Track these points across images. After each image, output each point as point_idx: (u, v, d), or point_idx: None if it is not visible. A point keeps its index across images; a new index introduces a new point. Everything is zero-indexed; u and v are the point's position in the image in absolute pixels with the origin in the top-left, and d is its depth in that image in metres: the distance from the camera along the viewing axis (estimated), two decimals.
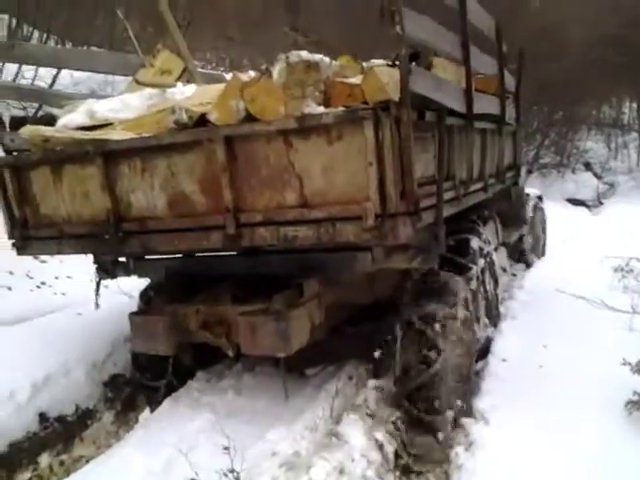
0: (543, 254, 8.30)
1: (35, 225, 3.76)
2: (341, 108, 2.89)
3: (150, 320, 3.76)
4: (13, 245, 3.82)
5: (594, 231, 10.28)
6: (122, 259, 4.06)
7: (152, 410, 4.14)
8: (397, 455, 3.43)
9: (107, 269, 4.12)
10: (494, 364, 4.31)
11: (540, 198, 8.55)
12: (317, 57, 3.02)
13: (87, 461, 3.73)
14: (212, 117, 2.99)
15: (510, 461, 3.15)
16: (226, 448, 2.93)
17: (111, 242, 3.41)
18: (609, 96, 22.61)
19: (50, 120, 3.82)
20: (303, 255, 3.42)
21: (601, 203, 19.30)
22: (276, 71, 2.90)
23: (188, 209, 3.20)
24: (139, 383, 4.36)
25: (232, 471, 2.84)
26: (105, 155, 3.27)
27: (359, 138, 2.71)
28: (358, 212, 2.76)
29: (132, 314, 3.86)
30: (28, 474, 3.73)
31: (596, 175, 21.35)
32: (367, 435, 3.32)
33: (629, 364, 3.71)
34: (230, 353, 3.64)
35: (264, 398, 3.88)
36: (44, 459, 3.84)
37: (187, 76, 4.41)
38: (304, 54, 2.94)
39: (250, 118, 2.93)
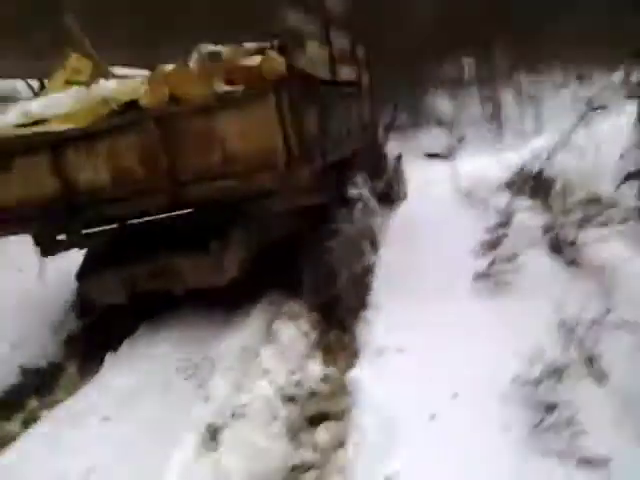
0: (405, 198, 9.82)
1: None
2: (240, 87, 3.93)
3: (107, 277, 4.60)
4: None
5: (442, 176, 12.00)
6: (60, 237, 4.79)
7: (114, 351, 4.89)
8: (319, 341, 4.66)
9: (47, 248, 4.83)
10: (378, 274, 5.61)
11: (399, 157, 10.09)
12: (219, 47, 4.01)
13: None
14: (143, 102, 3.88)
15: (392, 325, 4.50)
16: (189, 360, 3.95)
17: (66, 215, 4.21)
18: (450, 56, 25.13)
19: None
20: (226, 207, 4.40)
21: (453, 154, 21.64)
22: (191, 60, 3.86)
23: (132, 179, 4.08)
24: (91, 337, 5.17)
25: (205, 358, 3.84)
26: (52, 145, 4.05)
27: (265, 107, 3.78)
28: (271, 163, 3.82)
29: (90, 275, 4.68)
30: (22, 414, 4.42)
31: (447, 129, 23.79)
32: (296, 329, 4.48)
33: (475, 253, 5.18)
34: (178, 292, 4.60)
35: (208, 324, 4.88)
36: (32, 402, 4.53)
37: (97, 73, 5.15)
38: (210, 46, 3.92)
39: (173, 99, 3.88)
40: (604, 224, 7.88)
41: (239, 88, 3.87)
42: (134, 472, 3.25)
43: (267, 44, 4.49)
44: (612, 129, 9.88)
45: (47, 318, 5.10)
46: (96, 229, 4.86)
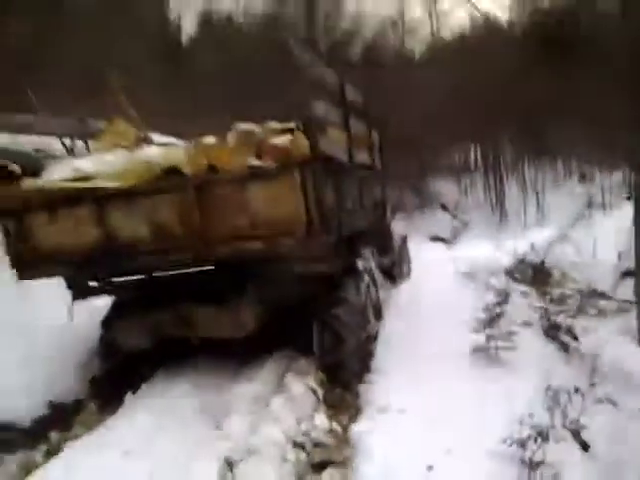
0: (409, 276, 10.28)
1: (33, 257, 4.88)
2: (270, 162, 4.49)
3: (133, 324, 5.06)
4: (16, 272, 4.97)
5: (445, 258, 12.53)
6: (93, 283, 5.30)
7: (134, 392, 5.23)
8: (325, 398, 5.02)
9: (79, 292, 5.31)
10: (382, 341, 6.02)
11: (405, 238, 10.67)
12: (253, 126, 4.60)
13: None
14: (185, 170, 4.46)
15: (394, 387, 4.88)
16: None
17: (103, 264, 4.72)
18: (457, 145, 26.36)
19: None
20: (247, 267, 4.91)
21: (456, 238, 22.33)
22: (229, 137, 4.43)
23: (167, 236, 4.58)
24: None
25: (221, 401, 4.21)
26: (96, 199, 4.59)
27: (291, 181, 4.31)
28: (292, 230, 4.33)
29: (116, 321, 5.12)
30: (45, 446, 4.74)
31: (451, 214, 24.61)
32: (304, 385, 4.86)
33: (473, 328, 5.58)
34: (195, 342, 5.03)
35: (223, 372, 5.26)
36: (53, 436, 4.87)
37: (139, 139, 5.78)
38: (246, 125, 4.51)
39: (211, 169, 4.44)
40: (597, 315, 8.37)
41: (269, 163, 4.41)
42: None
43: (293, 124, 5.04)
44: (611, 228, 10.49)
45: (75, 357, 5.51)
46: (125, 278, 5.33)
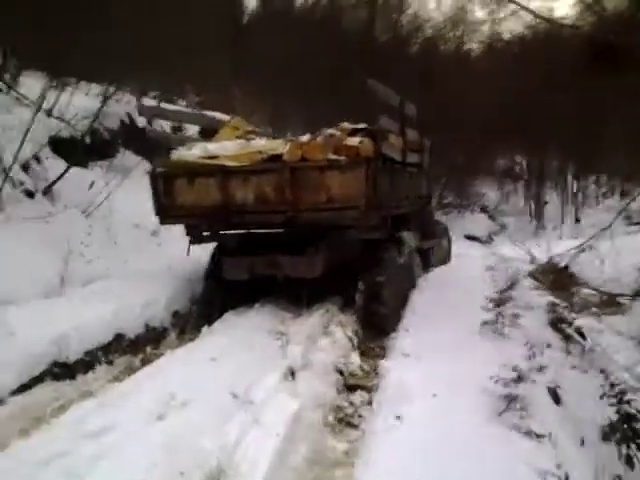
0: (449, 261, 11.69)
1: (173, 209, 6.76)
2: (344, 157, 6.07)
3: (237, 261, 6.90)
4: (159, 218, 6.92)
5: (479, 255, 13.83)
6: (206, 233, 7.07)
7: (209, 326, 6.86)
8: (359, 345, 6.50)
9: (195, 238, 7.12)
10: (411, 307, 7.49)
11: (446, 229, 12.11)
12: (335, 131, 6.16)
13: None
14: (285, 157, 6.16)
15: (415, 341, 6.24)
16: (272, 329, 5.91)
17: (223, 218, 6.50)
18: (503, 151, 27.20)
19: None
20: (322, 231, 6.66)
21: (492, 239, 23.34)
22: (319, 137, 6.03)
23: (267, 202, 6.32)
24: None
25: (283, 334, 5.76)
26: (222, 172, 6.36)
27: (358, 171, 5.95)
28: (356, 205, 5.99)
29: (223, 258, 7.00)
30: (141, 355, 6.28)
31: (490, 216, 25.61)
32: (343, 333, 6.39)
33: (486, 308, 6.96)
34: (280, 278, 6.83)
35: (286, 313, 6.94)
36: (148, 349, 6.43)
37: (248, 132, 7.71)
38: (330, 130, 6.07)
39: (303, 159, 6.12)
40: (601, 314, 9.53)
41: (343, 158, 6.09)
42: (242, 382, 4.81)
43: (359, 126, 6.73)
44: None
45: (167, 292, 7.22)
46: (232, 231, 7.10)
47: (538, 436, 4.67)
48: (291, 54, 18.86)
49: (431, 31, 27.04)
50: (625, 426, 5.25)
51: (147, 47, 10.89)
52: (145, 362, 5.98)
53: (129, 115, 11.45)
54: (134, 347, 6.26)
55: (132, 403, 4.49)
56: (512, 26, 29.02)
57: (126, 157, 10.89)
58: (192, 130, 10.89)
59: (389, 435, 4.36)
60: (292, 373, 5.14)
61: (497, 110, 22.25)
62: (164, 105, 9.37)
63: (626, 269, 10.80)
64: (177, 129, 12.20)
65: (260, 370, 5.08)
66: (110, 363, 5.81)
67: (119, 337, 6.13)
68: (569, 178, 27.21)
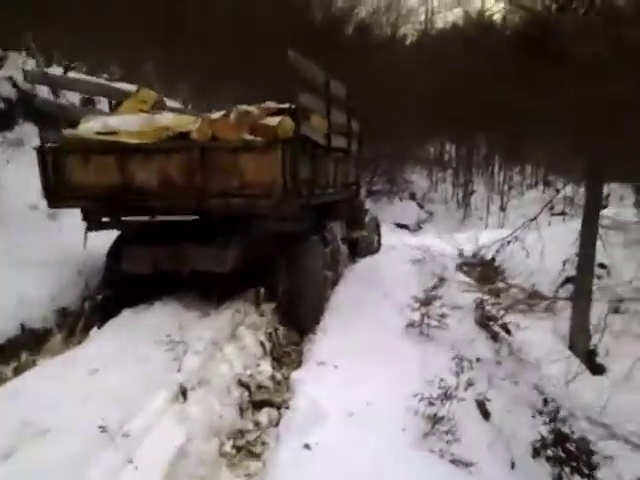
0: (378, 251, 11.10)
1: (64, 190, 5.76)
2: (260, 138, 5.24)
3: (138, 252, 5.99)
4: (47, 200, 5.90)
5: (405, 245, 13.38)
6: (105, 219, 6.12)
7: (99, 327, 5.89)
8: (271, 351, 5.73)
9: (93, 224, 6.16)
10: (332, 305, 6.80)
11: (376, 218, 11.52)
12: (250, 108, 5.30)
13: None
14: (193, 135, 5.32)
15: (333, 346, 5.58)
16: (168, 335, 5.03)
17: (121, 202, 5.60)
18: (433, 138, 27.08)
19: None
20: (234, 220, 5.82)
21: (420, 227, 23.23)
22: (232, 114, 5.15)
23: (173, 186, 5.46)
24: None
25: (180, 342, 4.89)
26: (122, 150, 5.46)
27: (273, 155, 5.14)
28: (270, 192, 5.20)
29: (122, 250, 6.07)
30: (15, 363, 5.30)
31: (419, 204, 25.48)
32: (254, 337, 5.59)
33: (409, 306, 6.35)
34: (185, 273, 5.93)
35: (187, 314, 5.95)
36: (24, 356, 5.44)
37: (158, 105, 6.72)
38: (244, 106, 5.21)
39: (213, 139, 5.25)
40: (527, 311, 9.28)
41: (259, 139, 5.25)
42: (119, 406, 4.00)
43: (284, 106, 5.89)
44: (565, 235, 11.27)
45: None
46: (133, 218, 6.13)
47: (466, 465, 4.14)
48: (226, 28, 17.76)
49: (365, 14, 26.50)
50: (558, 447, 4.88)
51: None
52: (19, 371, 5.05)
53: (12, 80, 10.00)
54: (5, 353, 5.29)
55: None
56: (446, 17, 29.13)
57: (25, 129, 9.53)
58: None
59: (293, 469, 3.70)
60: (184, 392, 4.27)
61: (429, 96, 21.87)
62: (52, 71, 8.03)
63: (551, 261, 10.79)
64: (88, 101, 10.92)
65: (145, 389, 4.20)
66: None
67: None
68: (496, 167, 27.40)
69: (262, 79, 15.98)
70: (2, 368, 5.10)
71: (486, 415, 5.15)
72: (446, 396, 4.49)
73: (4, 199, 7.62)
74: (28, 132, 9.15)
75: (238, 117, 5.21)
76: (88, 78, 10.50)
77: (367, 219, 10.37)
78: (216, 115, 5.50)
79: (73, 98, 10.22)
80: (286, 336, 6.04)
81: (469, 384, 4.75)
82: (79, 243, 6.28)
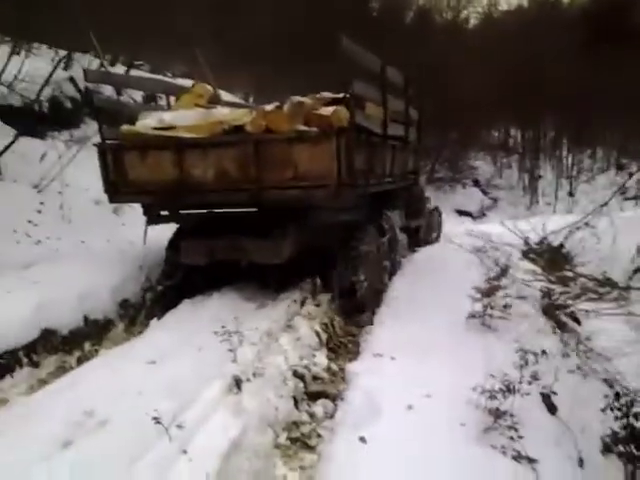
0: (438, 240, 10.88)
1: (123, 185, 5.92)
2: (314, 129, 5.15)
3: (195, 244, 6.06)
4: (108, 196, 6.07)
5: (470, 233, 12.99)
6: (164, 212, 6.25)
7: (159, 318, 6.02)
8: (327, 342, 5.65)
9: (152, 218, 6.33)
10: (391, 295, 6.69)
11: (437, 207, 11.30)
12: (304, 98, 5.22)
13: None
14: (247, 128, 5.30)
15: (391, 337, 5.48)
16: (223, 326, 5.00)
17: (178, 196, 5.69)
18: (498, 123, 26.23)
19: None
20: (289, 211, 5.80)
21: (484, 214, 22.58)
22: (285, 106, 5.11)
23: (228, 179, 5.49)
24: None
25: (236, 332, 4.85)
26: (178, 145, 5.52)
27: (328, 145, 5.05)
28: (325, 184, 5.13)
29: (181, 242, 6.14)
30: (78, 353, 5.45)
31: (483, 191, 24.74)
32: (309, 327, 5.53)
33: (471, 297, 6.12)
34: (244, 263, 6.02)
35: (245, 305, 5.98)
36: (87, 346, 5.59)
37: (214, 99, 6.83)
38: (298, 97, 5.13)
39: (267, 131, 5.24)
40: (598, 300, 8.79)
41: (313, 129, 5.18)
42: (175, 397, 4.01)
43: (339, 95, 5.86)
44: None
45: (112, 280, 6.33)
46: (191, 211, 6.28)
47: (530, 461, 3.93)
48: (283, 21, 17.78)
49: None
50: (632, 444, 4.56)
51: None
52: (83, 361, 5.19)
53: (73, 80, 10.31)
54: (69, 344, 5.39)
55: (34, 424, 3.66)
56: None
57: (90, 127, 9.84)
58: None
59: (349, 462, 3.61)
60: (238, 384, 4.24)
61: (493, 81, 21.18)
62: (115, 70, 8.28)
63: (624, 248, 10.20)
64: (150, 98, 11.16)
65: (200, 380, 4.20)
66: (35, 365, 4.94)
67: (47, 333, 5.17)
68: (564, 152, 26.27)
69: (324, 70, 15.94)
70: (66, 358, 5.23)
71: (552, 409, 4.88)
72: (509, 389, 4.30)
73: (70, 196, 7.88)
74: (93, 130, 9.43)
75: (292, 108, 5.16)
76: (147, 76, 10.78)
77: (427, 207, 10.16)
78: (270, 107, 5.43)
79: (136, 96, 10.49)
80: (342, 327, 5.97)
81: (534, 377, 4.53)
82: (140, 236, 6.42)
